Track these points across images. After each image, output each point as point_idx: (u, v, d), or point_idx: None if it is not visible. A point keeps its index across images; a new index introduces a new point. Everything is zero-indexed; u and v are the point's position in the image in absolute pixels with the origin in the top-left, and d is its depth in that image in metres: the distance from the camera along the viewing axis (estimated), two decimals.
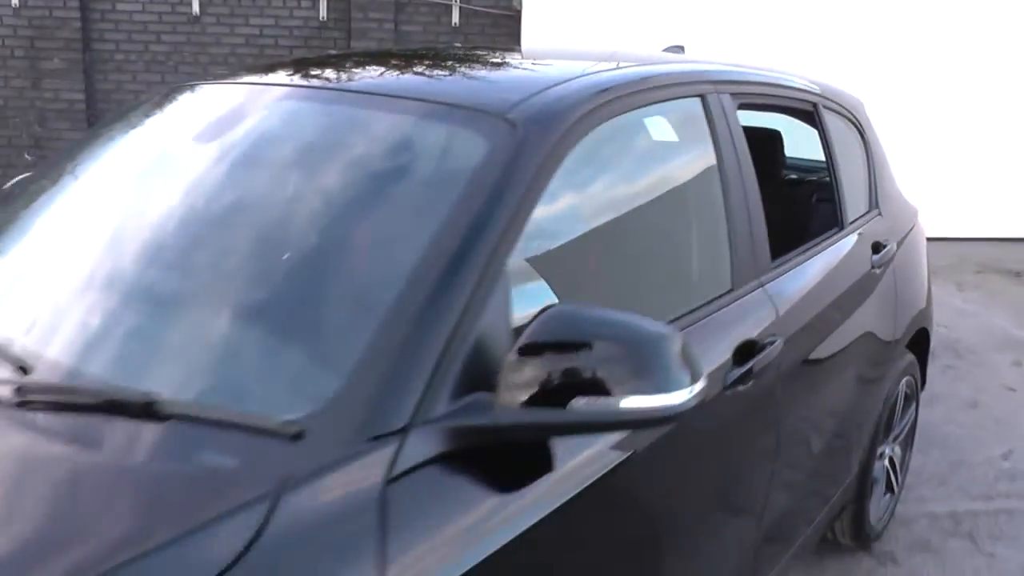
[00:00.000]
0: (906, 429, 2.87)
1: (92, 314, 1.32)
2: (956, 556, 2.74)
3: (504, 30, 7.31)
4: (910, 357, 2.75)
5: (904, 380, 2.71)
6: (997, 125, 7.19)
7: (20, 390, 1.17)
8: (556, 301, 1.24)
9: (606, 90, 1.56)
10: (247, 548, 0.91)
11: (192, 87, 1.90)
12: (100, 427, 1.10)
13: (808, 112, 2.46)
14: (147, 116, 1.87)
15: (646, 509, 1.43)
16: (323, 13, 7.02)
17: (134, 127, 1.84)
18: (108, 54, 6.82)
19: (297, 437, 1.05)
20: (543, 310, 1.15)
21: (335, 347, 1.17)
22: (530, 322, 1.14)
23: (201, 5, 6.81)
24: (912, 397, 2.87)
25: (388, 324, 1.14)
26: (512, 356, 1.12)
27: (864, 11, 6.85)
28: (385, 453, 1.05)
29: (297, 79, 1.76)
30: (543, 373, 1.10)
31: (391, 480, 1.04)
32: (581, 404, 1.09)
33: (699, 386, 1.15)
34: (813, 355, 2.00)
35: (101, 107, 6.89)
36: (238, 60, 6.97)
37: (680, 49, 2.84)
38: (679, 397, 1.12)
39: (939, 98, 6.95)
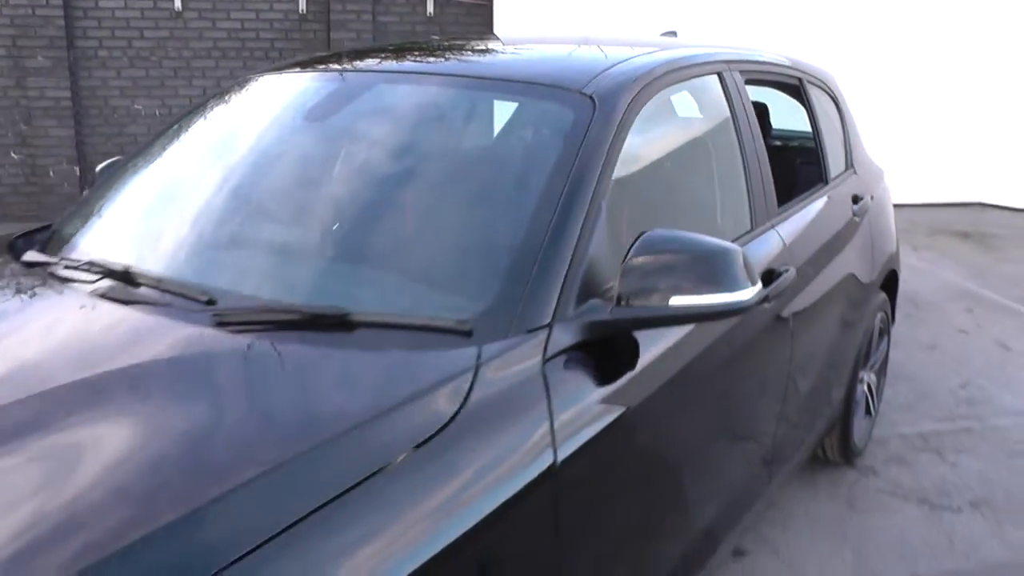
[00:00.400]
0: (880, 359, 3.31)
1: (285, 253, 1.65)
2: (925, 466, 3.19)
3: (477, 19, 7.61)
4: (883, 295, 3.19)
5: (879, 315, 3.14)
6: (942, 100, 7.77)
7: (225, 313, 1.48)
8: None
9: (653, 70, 1.92)
10: (462, 406, 1.25)
11: (278, 73, 2.21)
12: (308, 339, 1.42)
13: (795, 86, 2.86)
14: (250, 97, 2.17)
15: (710, 388, 1.82)
16: (303, 6, 7.24)
17: (240, 107, 2.15)
18: (92, 51, 6.94)
19: (468, 333, 1.39)
20: (640, 234, 1.51)
21: (490, 267, 1.52)
22: (632, 243, 1.49)
23: (183, 0, 6.98)
24: (885, 331, 3.31)
25: (527, 250, 1.49)
26: (623, 268, 1.48)
27: (818, 4, 7.35)
28: (539, 341, 1.40)
29: (389, 65, 2.09)
30: (645, 280, 1.46)
31: (547, 360, 1.39)
32: (678, 301, 1.45)
33: (758, 287, 1.52)
34: (813, 284, 2.40)
35: (86, 104, 7.01)
36: (221, 53, 7.16)
37: (674, 34, 3.22)
38: (746, 295, 1.49)
39: (888, 77, 7.48)
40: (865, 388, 3.16)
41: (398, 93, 1.94)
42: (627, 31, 6.96)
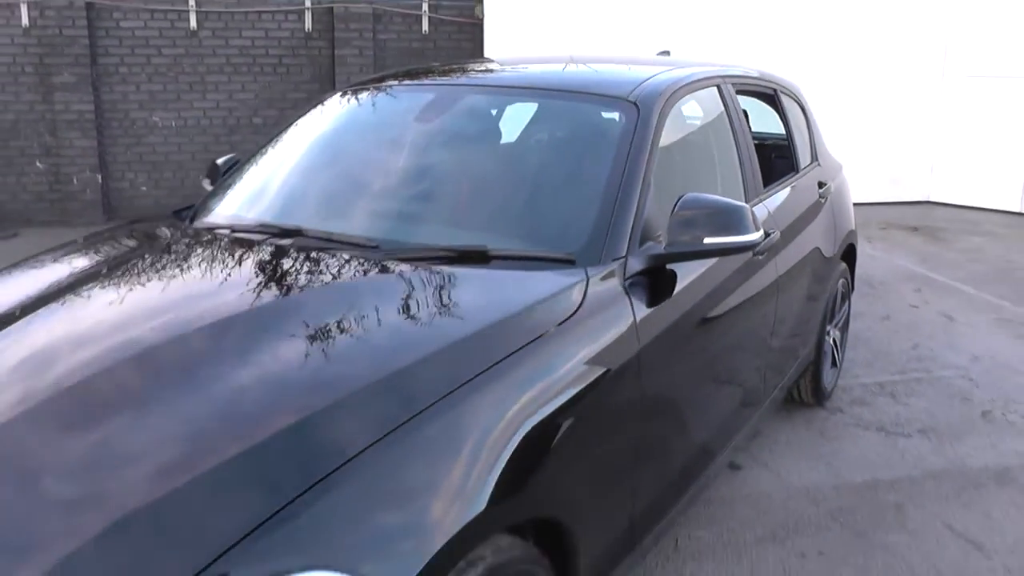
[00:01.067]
0: (843, 318, 3.99)
1: (416, 207, 2.28)
2: (882, 406, 3.88)
3: (468, 36, 8.24)
4: (844, 265, 3.88)
5: (841, 281, 3.83)
6: (891, 108, 8.60)
7: (396, 252, 2.08)
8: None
9: (674, 84, 2.57)
10: (582, 299, 1.88)
11: (380, 86, 2.83)
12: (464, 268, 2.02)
13: (771, 95, 3.54)
14: (363, 99, 2.80)
15: (720, 319, 2.46)
16: (308, 25, 7.82)
17: (352, 108, 2.78)
18: (113, 67, 7.45)
19: (572, 261, 2.02)
20: (681, 196, 2.15)
21: (576, 225, 2.15)
22: (676, 202, 2.13)
23: (198, 20, 7.52)
24: (846, 295, 4.00)
25: (605, 208, 2.13)
26: (670, 218, 2.12)
27: (777, 23, 8.12)
28: (620, 266, 2.03)
29: (470, 79, 2.73)
30: (686, 226, 2.10)
31: (626, 279, 2.02)
32: (709, 241, 2.09)
33: (761, 232, 2.17)
34: (791, 250, 3.06)
35: (108, 116, 7.51)
36: (233, 69, 7.71)
37: (667, 53, 3.89)
38: (753, 237, 2.13)
39: (844, 88, 8.27)
40: (831, 341, 3.84)
41: (491, 100, 2.58)
42: (615, 49, 7.64)
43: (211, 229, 2.41)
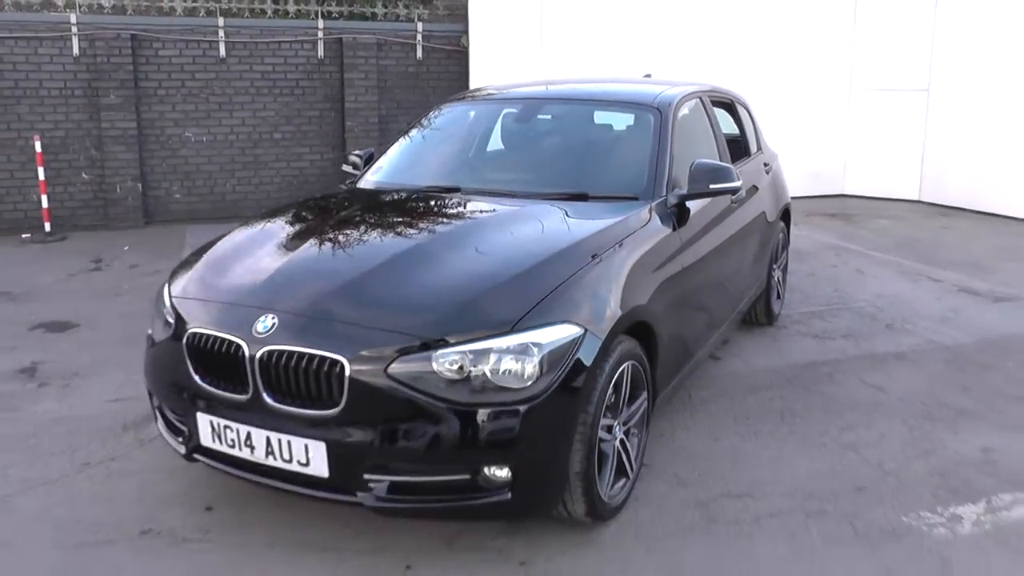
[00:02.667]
0: (783, 262, 5.48)
1: (534, 172, 3.64)
2: (814, 324, 5.36)
3: (456, 62, 9.59)
4: (782, 224, 5.37)
5: (780, 234, 5.32)
6: (810, 116, 10.30)
7: (526, 194, 3.43)
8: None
9: (677, 96, 3.99)
10: (651, 216, 3.26)
11: (485, 96, 4.21)
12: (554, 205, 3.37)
13: (729, 104, 5.01)
14: (463, 108, 4.16)
15: (723, 239, 3.87)
16: (321, 52, 9.06)
17: (464, 110, 4.13)
18: (152, 89, 8.55)
19: (636, 198, 3.40)
20: (694, 161, 3.55)
21: (638, 178, 3.52)
22: (691, 165, 3.53)
23: (227, 49, 8.69)
24: (785, 245, 5.50)
25: (651, 170, 3.51)
26: (689, 173, 3.51)
27: (721, 49, 9.73)
28: (663, 201, 3.42)
29: (542, 91, 4.11)
30: (698, 178, 3.49)
31: (667, 208, 3.41)
32: (714, 186, 3.49)
33: (741, 182, 3.59)
34: (749, 204, 4.50)
35: (147, 132, 8.59)
36: (256, 91, 8.88)
37: (649, 75, 5.35)
38: (738, 183, 3.54)
39: (771, 100, 9.90)
40: (776, 278, 5.32)
41: (560, 108, 4.00)
42: (586, 71, 9.06)
43: (395, 191, 3.72)
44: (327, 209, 3.56)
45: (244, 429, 2.58)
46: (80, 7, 8.60)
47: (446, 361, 2.43)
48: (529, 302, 2.56)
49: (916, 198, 10.28)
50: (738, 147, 5.07)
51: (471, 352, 2.43)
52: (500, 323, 2.50)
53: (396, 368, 2.43)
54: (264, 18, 9.39)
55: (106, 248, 7.61)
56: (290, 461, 2.53)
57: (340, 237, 3.14)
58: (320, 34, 9.00)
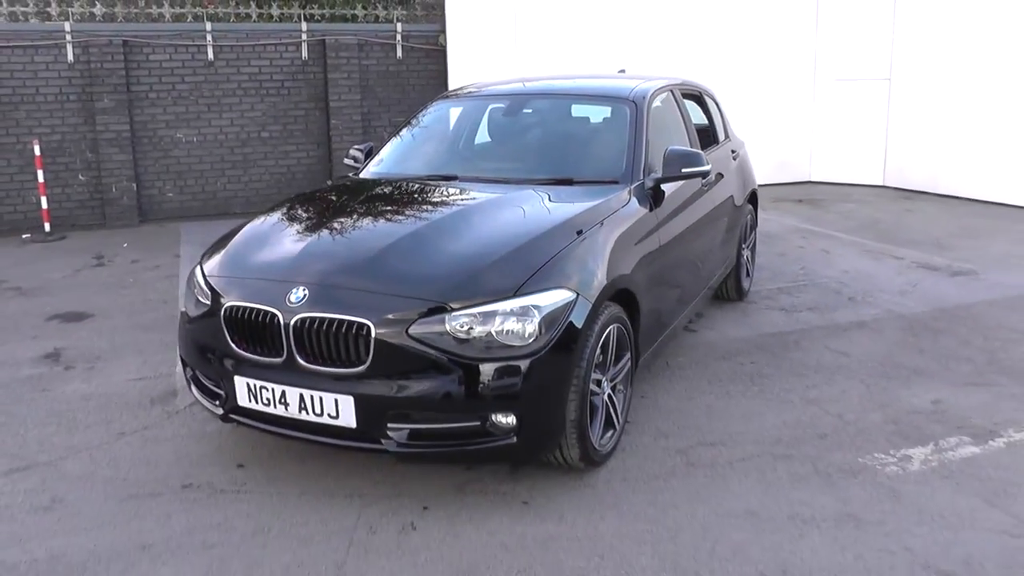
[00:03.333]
0: (751, 243, 5.89)
1: (523, 160, 4.01)
2: (782, 298, 5.77)
3: (434, 61, 9.92)
4: (750, 206, 5.77)
5: (748, 216, 5.72)
6: (776, 106, 10.75)
7: (519, 181, 3.79)
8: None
9: (651, 90, 4.36)
10: (630, 198, 3.64)
11: (468, 94, 4.55)
12: (539, 189, 3.75)
13: (698, 96, 5.40)
14: (454, 104, 4.50)
15: (695, 220, 4.25)
16: (305, 54, 9.36)
17: (456, 107, 4.48)
18: (144, 93, 8.81)
19: (616, 182, 3.78)
20: (667, 148, 3.93)
21: (617, 164, 3.88)
22: (665, 151, 3.91)
23: (214, 52, 8.97)
24: (753, 226, 5.90)
25: (628, 157, 3.88)
26: (664, 159, 3.89)
27: (690, 43, 10.14)
28: (641, 184, 3.79)
29: (527, 87, 4.47)
30: (672, 162, 3.87)
31: (644, 190, 3.79)
32: (685, 171, 3.87)
33: (710, 166, 3.98)
34: (718, 188, 4.89)
35: (139, 134, 8.85)
36: (244, 92, 9.17)
37: (623, 71, 5.73)
38: (708, 167, 3.92)
39: (739, 91, 10.33)
40: (746, 256, 5.72)
41: (544, 102, 4.35)
42: (560, 68, 9.43)
43: (398, 180, 4.08)
44: (339, 197, 3.91)
45: (279, 388, 2.93)
46: (73, 16, 8.85)
47: (458, 322, 2.79)
48: (528, 271, 2.93)
49: (880, 183, 10.77)
50: (707, 135, 5.46)
51: (479, 314, 2.80)
52: (504, 289, 2.86)
53: (415, 329, 2.79)
54: (249, 22, 9.68)
55: (105, 246, 7.88)
56: (321, 414, 2.88)
57: (356, 219, 3.50)
58: (304, 36, 9.30)
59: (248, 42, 9.08)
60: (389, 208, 3.65)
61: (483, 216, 3.36)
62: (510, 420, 2.82)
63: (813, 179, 11.20)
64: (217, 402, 3.23)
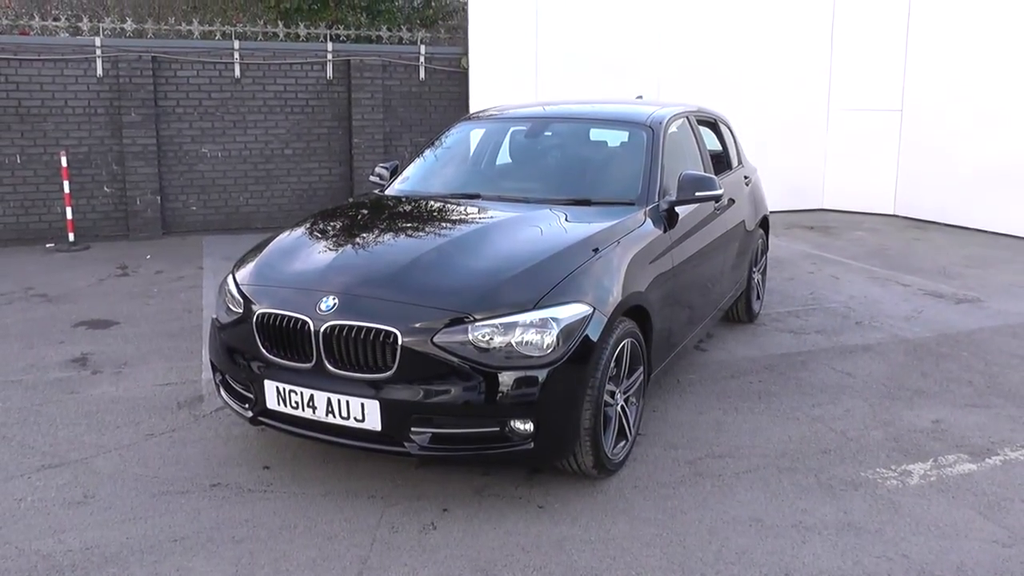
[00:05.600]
0: (762, 266, 6.03)
1: (543, 181, 4.19)
2: (791, 321, 5.90)
3: (456, 83, 10.15)
4: (761, 232, 5.92)
5: (760, 241, 5.87)
6: (790, 135, 10.93)
7: (540, 200, 3.97)
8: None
9: (668, 116, 4.54)
10: (645, 219, 3.80)
11: (490, 117, 4.74)
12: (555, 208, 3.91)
13: (712, 123, 5.57)
14: (477, 126, 4.70)
15: (702, 247, 4.41)
16: (330, 73, 9.61)
17: (477, 130, 4.67)
18: (171, 108, 9.06)
19: (633, 204, 3.94)
20: (682, 173, 4.09)
21: (633, 186, 4.05)
22: (679, 175, 4.08)
23: (241, 70, 9.22)
24: (764, 251, 6.05)
25: (645, 180, 4.05)
26: (678, 183, 4.05)
27: (706, 73, 10.35)
28: (656, 206, 3.95)
29: (547, 111, 4.65)
30: (686, 186, 4.04)
31: (659, 212, 3.95)
32: (699, 194, 4.03)
33: (723, 190, 4.14)
34: (730, 212, 5.05)
35: (165, 148, 9.09)
36: (269, 109, 9.41)
37: (641, 97, 5.92)
38: (720, 191, 4.08)
39: (754, 120, 10.51)
40: (756, 279, 5.87)
41: (564, 126, 4.54)
42: (576, 91, 9.64)
43: (423, 197, 4.26)
44: (364, 212, 4.09)
45: (307, 392, 3.09)
46: (104, 31, 9.12)
47: (480, 332, 2.95)
48: (547, 285, 3.09)
49: (891, 212, 10.90)
50: (721, 161, 5.63)
51: (500, 325, 2.96)
52: (524, 301, 3.02)
53: (440, 338, 2.95)
54: (276, 41, 9.94)
55: (128, 256, 8.08)
56: (347, 418, 3.03)
57: (382, 234, 3.68)
58: (329, 56, 9.55)
59: (275, 60, 9.34)
60: (413, 224, 3.83)
61: (503, 233, 3.53)
62: (527, 426, 2.97)
63: (825, 207, 11.34)
64: (246, 405, 3.39)
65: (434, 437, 2.99)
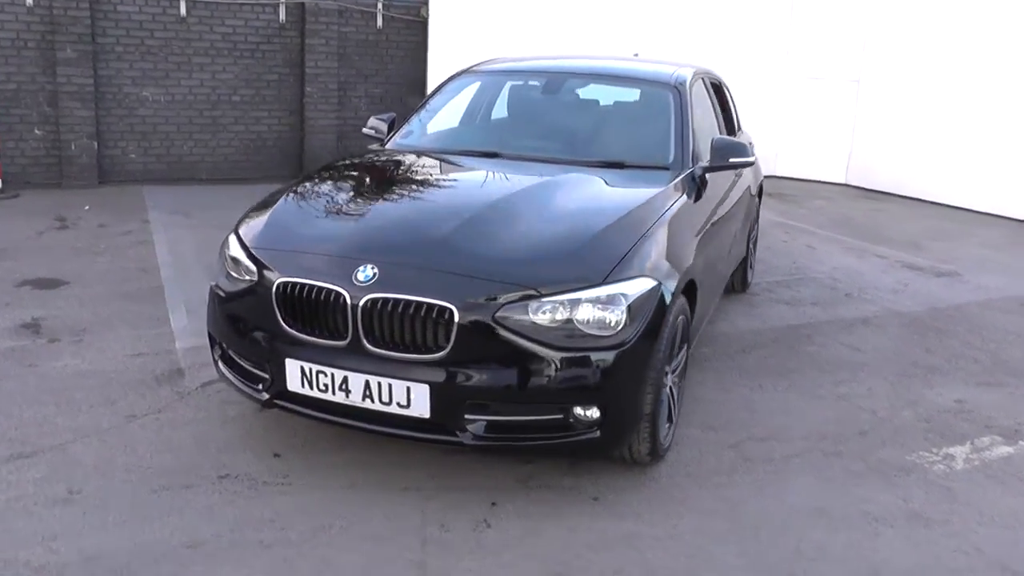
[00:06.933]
0: (755, 234, 5.90)
1: (566, 140, 3.88)
2: (783, 292, 5.79)
3: (415, 32, 9.62)
4: (757, 199, 5.78)
5: (756, 208, 5.72)
6: (747, 102, 10.83)
7: (567, 160, 3.67)
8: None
9: (691, 76, 4.28)
10: (684, 186, 3.55)
11: (502, 70, 4.39)
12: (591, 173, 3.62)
13: (718, 85, 5.35)
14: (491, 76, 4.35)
15: (728, 210, 4.20)
16: (282, 17, 8.94)
17: (486, 81, 4.32)
18: (110, 46, 8.27)
19: (667, 168, 3.68)
20: (714, 137, 3.85)
21: (666, 150, 3.79)
22: (712, 140, 3.84)
23: (187, 7, 8.48)
24: (757, 218, 5.91)
25: (676, 143, 3.79)
26: (711, 148, 3.81)
27: (666, 32, 10.10)
28: (691, 171, 3.71)
29: (562, 65, 4.33)
30: (719, 152, 3.80)
31: (693, 179, 3.70)
32: (733, 160, 3.81)
33: (755, 157, 3.92)
34: (742, 179, 4.86)
35: (103, 90, 8.31)
36: (216, 52, 8.71)
37: (637, 55, 5.64)
38: (753, 158, 3.90)
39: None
40: (750, 247, 5.73)
41: (583, 83, 4.24)
42: (549, 46, 9.26)
43: (439, 154, 3.91)
44: (382, 169, 3.70)
45: (340, 374, 2.74)
46: None
47: (546, 310, 2.66)
48: (615, 257, 2.82)
49: (843, 181, 10.98)
50: (728, 126, 5.43)
51: (568, 301, 2.67)
52: (593, 275, 2.74)
53: (502, 315, 2.64)
54: None
55: (65, 207, 7.38)
56: (389, 403, 2.70)
57: (412, 194, 3.32)
58: None
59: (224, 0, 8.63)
60: (445, 184, 3.50)
61: (551, 197, 3.23)
62: (593, 413, 2.71)
63: (777, 173, 11.33)
64: (259, 386, 3.01)
65: (489, 425, 2.70)
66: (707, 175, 3.86)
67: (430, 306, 2.65)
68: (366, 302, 2.70)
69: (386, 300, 2.68)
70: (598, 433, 2.72)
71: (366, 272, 2.74)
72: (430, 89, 10.52)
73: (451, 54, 9.40)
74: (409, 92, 9.56)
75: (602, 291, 2.71)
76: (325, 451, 3.21)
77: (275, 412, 3.40)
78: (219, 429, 3.39)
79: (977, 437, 3.63)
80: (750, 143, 5.47)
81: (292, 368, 2.84)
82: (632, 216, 3.10)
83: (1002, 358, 4.69)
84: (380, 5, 9.38)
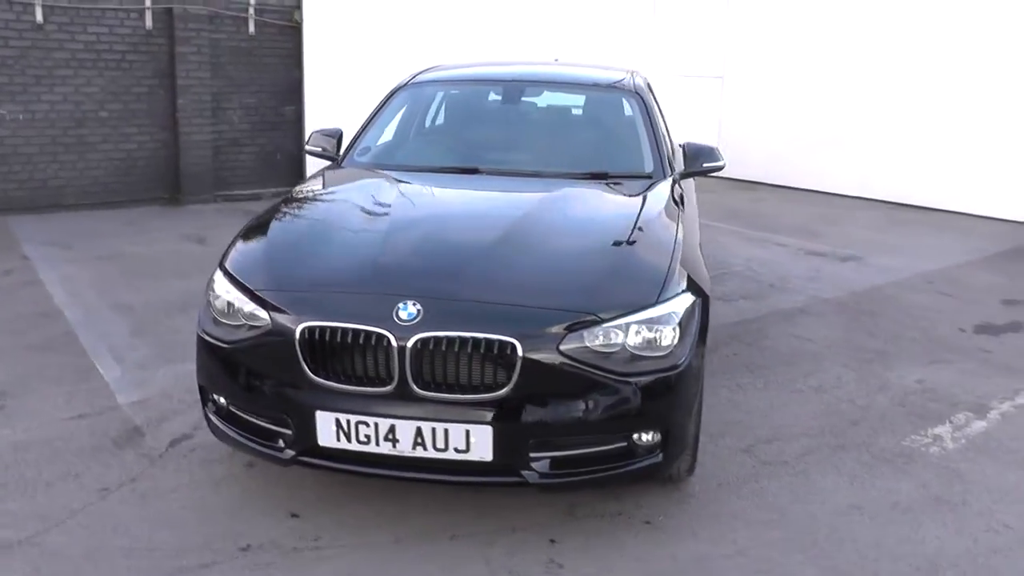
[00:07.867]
0: None
1: (541, 152, 3.77)
2: (712, 287, 5.97)
3: (289, 38, 9.16)
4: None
5: None
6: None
7: (548, 175, 3.56)
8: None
9: (640, 81, 4.29)
10: (676, 196, 3.54)
11: (441, 80, 4.24)
12: (588, 187, 3.56)
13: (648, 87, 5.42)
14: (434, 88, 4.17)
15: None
16: (149, 23, 8.25)
17: (433, 90, 4.16)
18: None
19: (650, 177, 3.67)
20: (684, 143, 3.88)
21: (643, 158, 3.77)
22: (682, 146, 3.86)
23: (44, 14, 7.64)
24: None
25: (652, 150, 3.78)
26: (683, 152, 3.84)
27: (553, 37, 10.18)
28: (669, 179, 3.71)
29: (514, 72, 4.23)
30: (693, 158, 3.84)
31: (672, 184, 3.71)
32: (706, 165, 3.85)
33: (725, 161, 3.99)
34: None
35: None
36: (79, 63, 7.91)
37: (557, 60, 5.63)
38: (723, 163, 3.95)
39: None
40: None
41: (540, 90, 4.16)
42: (428, 53, 9.08)
43: (412, 171, 3.71)
44: (364, 190, 3.43)
45: (386, 423, 2.51)
46: None
47: (608, 335, 2.56)
48: (660, 275, 2.76)
49: (724, 175, 11.50)
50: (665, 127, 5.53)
51: (625, 325, 2.58)
52: (647, 296, 2.67)
53: (566, 346, 2.51)
54: None
55: None
56: (445, 449, 2.51)
57: (422, 217, 3.12)
58: (148, 2, 8.19)
59: (84, 5, 7.82)
60: (449, 206, 3.29)
61: (565, 215, 3.14)
62: (654, 436, 2.64)
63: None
64: (281, 443, 2.71)
65: (554, 462, 2.57)
66: (681, 181, 3.89)
67: (489, 342, 2.48)
68: (415, 343, 2.49)
69: (438, 339, 2.49)
70: (660, 457, 2.66)
71: (408, 310, 2.52)
72: (307, 97, 10.18)
73: (328, 60, 9.09)
74: (285, 101, 9.13)
75: (656, 311, 2.65)
76: (346, 505, 2.95)
77: (266, 468, 3.12)
78: (213, 494, 3.04)
79: (952, 415, 3.87)
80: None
81: (324, 421, 2.58)
82: (659, 230, 3.07)
83: (934, 335, 5.03)
84: (252, 10, 8.86)
